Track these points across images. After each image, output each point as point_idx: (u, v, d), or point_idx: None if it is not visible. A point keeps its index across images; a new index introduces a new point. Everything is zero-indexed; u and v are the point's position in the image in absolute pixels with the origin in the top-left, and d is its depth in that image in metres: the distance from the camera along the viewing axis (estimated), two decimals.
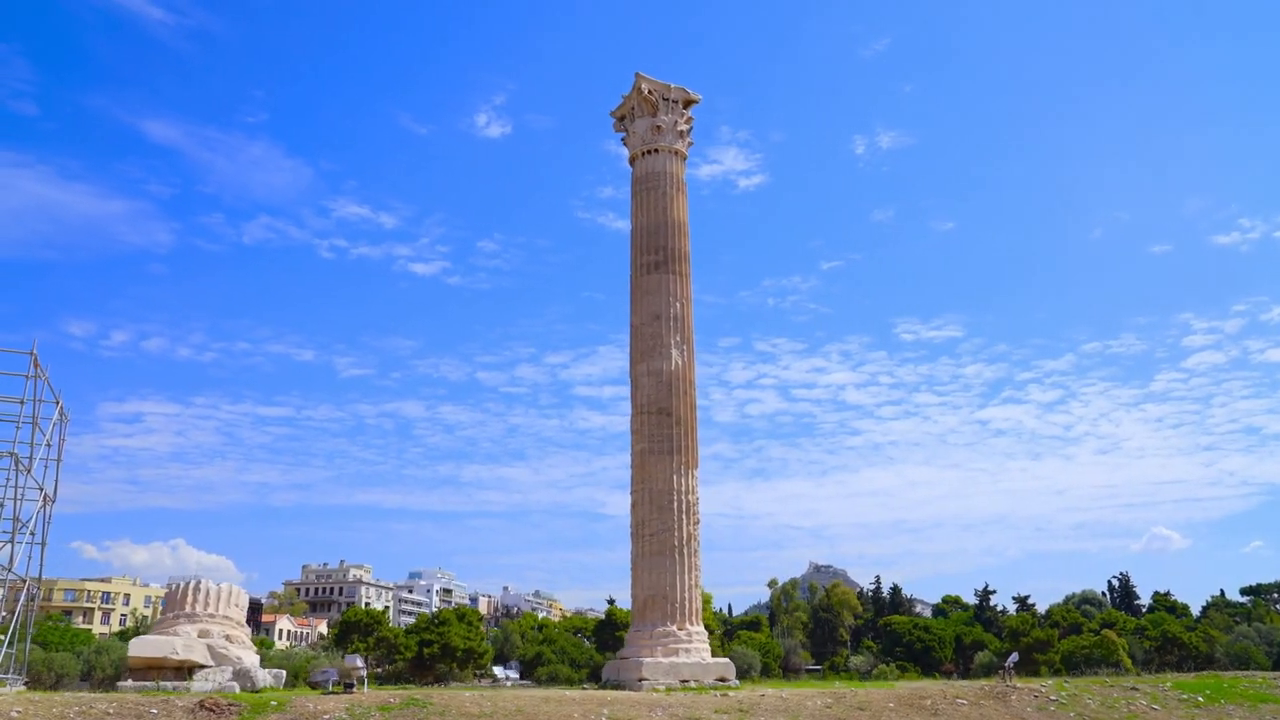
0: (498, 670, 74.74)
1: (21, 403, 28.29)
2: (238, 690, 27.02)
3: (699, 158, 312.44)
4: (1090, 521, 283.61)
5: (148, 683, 27.20)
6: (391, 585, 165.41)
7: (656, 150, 41.37)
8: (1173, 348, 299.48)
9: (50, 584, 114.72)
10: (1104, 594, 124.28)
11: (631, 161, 42.54)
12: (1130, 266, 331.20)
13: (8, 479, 28.10)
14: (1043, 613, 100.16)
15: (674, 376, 38.25)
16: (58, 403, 30.76)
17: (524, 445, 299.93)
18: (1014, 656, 37.90)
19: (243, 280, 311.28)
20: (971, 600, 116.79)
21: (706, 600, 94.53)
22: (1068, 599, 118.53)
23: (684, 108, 42.52)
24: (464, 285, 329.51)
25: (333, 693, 26.81)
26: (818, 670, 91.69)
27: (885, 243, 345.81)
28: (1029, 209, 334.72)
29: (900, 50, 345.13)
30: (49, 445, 30.56)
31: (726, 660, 36.71)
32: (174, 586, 31.39)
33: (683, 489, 37.01)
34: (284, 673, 31.94)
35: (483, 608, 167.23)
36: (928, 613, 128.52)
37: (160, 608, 45.93)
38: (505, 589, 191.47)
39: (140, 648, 28.45)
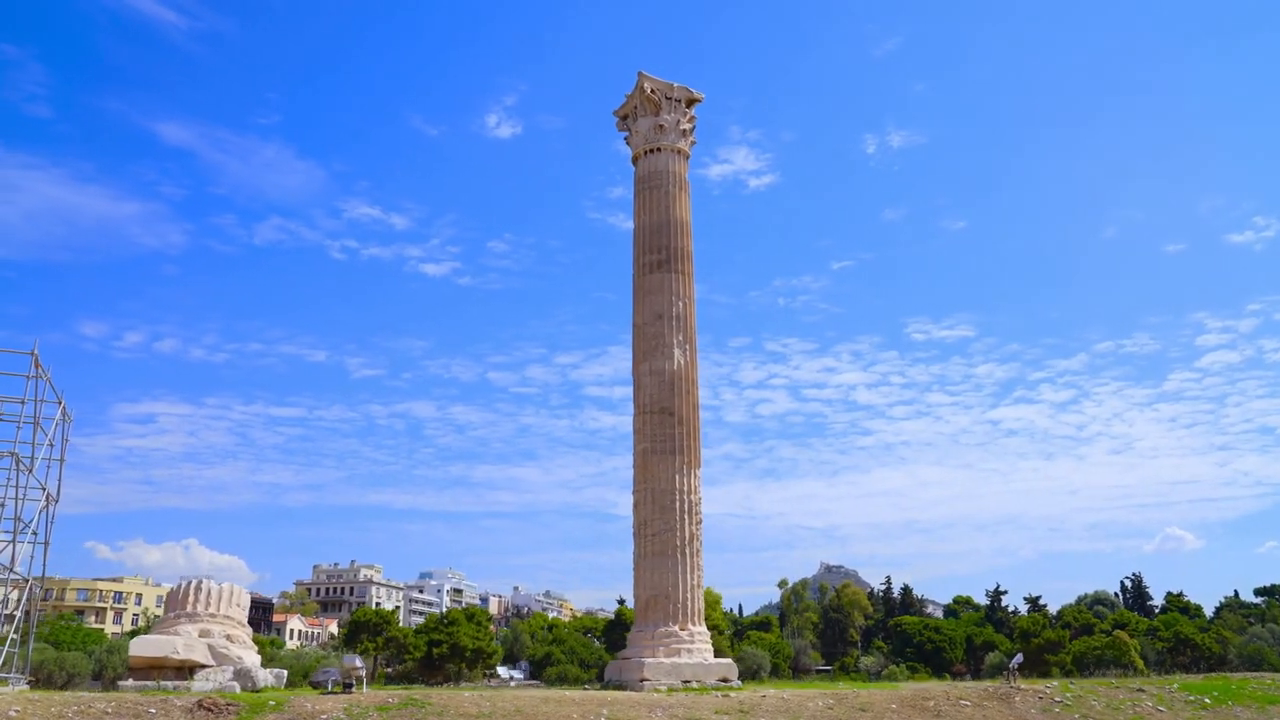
0: (502, 671, 74.75)
1: (23, 402, 28.45)
2: (238, 690, 27.05)
3: (709, 157, 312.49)
4: (1103, 522, 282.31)
5: (149, 682, 27.27)
6: (402, 585, 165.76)
7: (659, 149, 41.27)
8: (1186, 347, 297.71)
9: (63, 584, 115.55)
10: (1116, 595, 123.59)
11: (634, 160, 42.46)
12: (1144, 265, 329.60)
13: (8, 479, 28.22)
14: (1054, 613, 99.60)
15: (676, 376, 38.13)
16: (60, 403, 30.89)
17: (535, 445, 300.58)
18: (1018, 657, 37.56)
19: (255, 281, 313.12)
20: (983, 601, 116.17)
21: (716, 600, 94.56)
22: (1080, 600, 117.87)
23: (687, 106, 42.40)
24: (475, 286, 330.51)
25: (332, 693, 26.80)
26: (828, 671, 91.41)
27: (896, 242, 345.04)
28: (1041, 208, 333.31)
29: (912, 49, 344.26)
30: (51, 445, 30.73)
31: (729, 660, 36.58)
32: (176, 586, 31.47)
33: (685, 489, 36.88)
34: (285, 672, 32.01)
35: (493, 608, 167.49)
36: (939, 613, 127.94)
37: None
38: (516, 589, 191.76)
39: (141, 647, 28.53)
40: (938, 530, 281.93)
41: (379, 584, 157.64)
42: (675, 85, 42.16)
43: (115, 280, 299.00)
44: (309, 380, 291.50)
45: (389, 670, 77.14)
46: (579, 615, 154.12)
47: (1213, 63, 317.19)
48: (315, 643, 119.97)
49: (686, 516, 36.58)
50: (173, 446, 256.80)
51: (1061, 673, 68.70)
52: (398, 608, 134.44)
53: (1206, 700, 31.76)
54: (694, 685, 32.55)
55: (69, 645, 59.64)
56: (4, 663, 28.82)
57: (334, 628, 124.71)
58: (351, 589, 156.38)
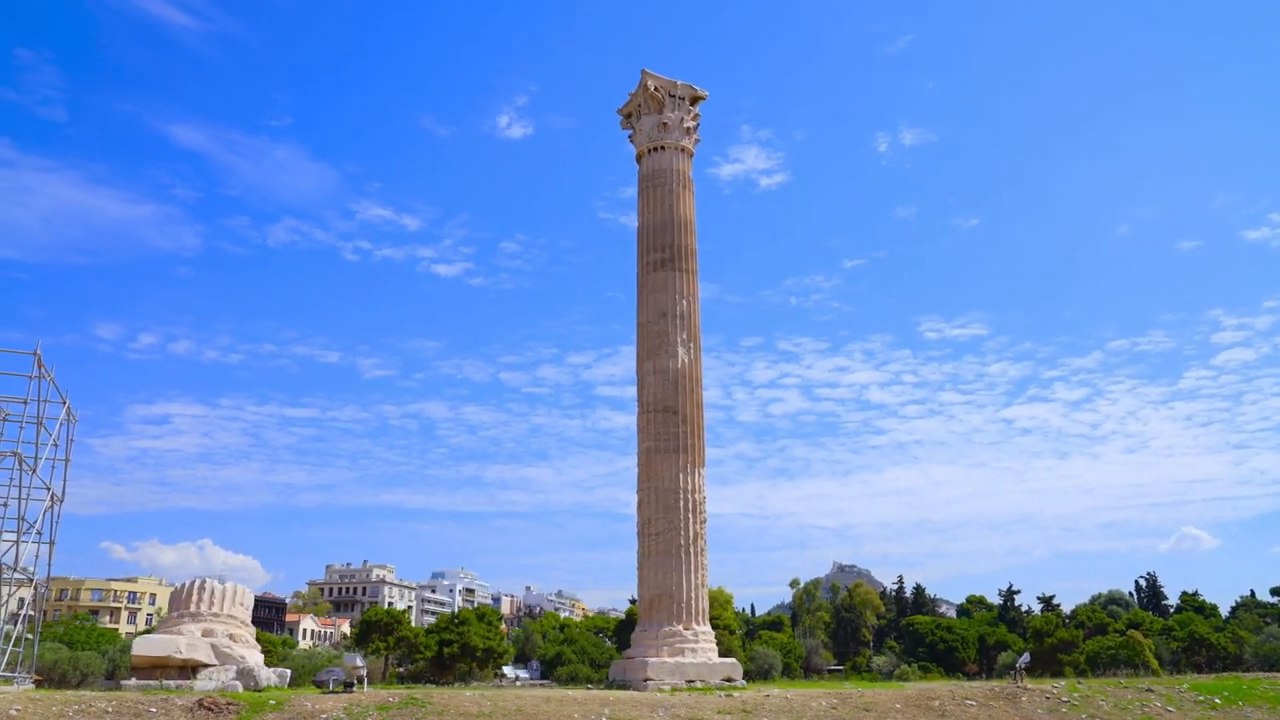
0: (508, 670, 74.76)
1: (25, 402, 28.56)
2: (241, 689, 27.10)
3: (720, 157, 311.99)
4: (1118, 521, 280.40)
5: (151, 681, 27.34)
6: (414, 585, 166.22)
7: (663, 147, 41.13)
8: (1202, 345, 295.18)
9: (78, 584, 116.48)
10: (1131, 594, 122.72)
11: (638, 159, 42.34)
12: (1158, 263, 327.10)
13: (11, 479, 28.34)
14: (1068, 613, 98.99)
15: (680, 374, 37.98)
16: (64, 403, 30.99)
17: (547, 445, 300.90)
18: (1025, 657, 37.25)
19: (268, 283, 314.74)
20: (996, 600, 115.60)
21: (727, 600, 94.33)
22: (1094, 599, 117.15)
23: (691, 104, 42.25)
24: (487, 286, 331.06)
25: (333, 692, 26.81)
26: (839, 670, 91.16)
27: (908, 240, 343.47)
28: (1054, 205, 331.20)
29: (923, 47, 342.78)
30: (56, 445, 30.82)
31: (733, 660, 36.40)
32: (180, 586, 31.56)
33: (689, 488, 36.71)
34: (289, 672, 32.08)
35: (505, 608, 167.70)
36: (952, 613, 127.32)
37: None
38: (528, 589, 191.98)
39: (144, 647, 28.63)
40: (951, 529, 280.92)
41: (391, 584, 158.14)
42: (679, 83, 42.00)
43: (129, 282, 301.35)
44: (322, 381, 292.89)
45: (401, 670, 77.32)
46: (591, 615, 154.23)
47: (1226, 57, 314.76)
48: (328, 642, 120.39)
49: (691, 515, 36.42)
50: (187, 447, 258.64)
51: (1075, 672, 68.18)
52: (410, 607, 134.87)
53: (1217, 700, 31.40)
54: (698, 685, 32.41)
55: (83, 645, 60.04)
56: (9, 662, 28.93)
57: (346, 627, 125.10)
58: (364, 589, 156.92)
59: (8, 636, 29.39)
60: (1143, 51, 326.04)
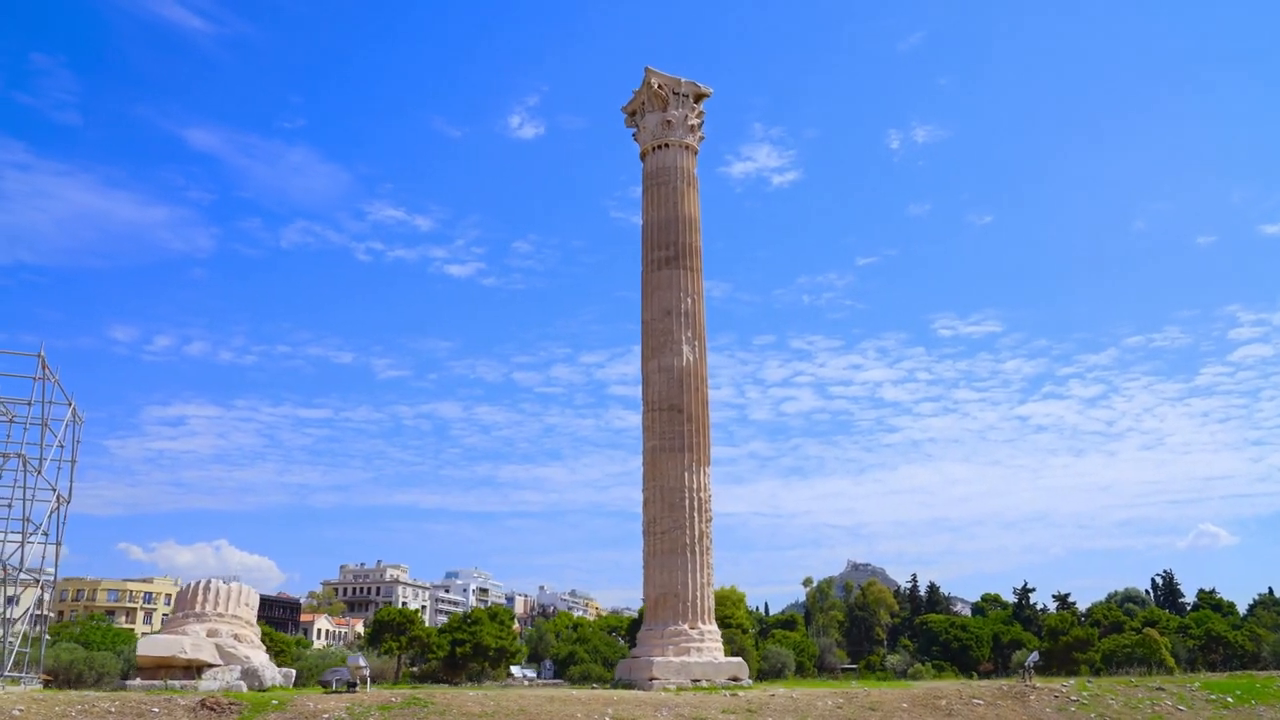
0: (515, 670, 74.73)
1: (29, 404, 28.64)
2: (245, 689, 27.17)
3: (732, 155, 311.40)
4: (1135, 518, 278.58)
5: (156, 681, 27.43)
6: (428, 585, 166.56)
7: (667, 145, 40.98)
8: (1219, 340, 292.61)
9: (94, 584, 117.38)
10: (1147, 592, 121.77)
11: (642, 156, 42.21)
12: (1174, 258, 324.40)
13: (16, 479, 28.45)
14: (1084, 611, 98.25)
15: (685, 373, 37.82)
16: (70, 404, 31.08)
17: (560, 445, 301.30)
18: (1034, 655, 36.90)
19: (282, 284, 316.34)
20: (1011, 599, 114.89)
21: (740, 599, 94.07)
22: (1110, 597, 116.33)
23: (695, 101, 42.08)
24: (499, 286, 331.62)
25: (336, 692, 26.81)
26: (853, 669, 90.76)
27: (922, 238, 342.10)
28: (1069, 201, 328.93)
29: (935, 43, 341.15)
30: (61, 446, 30.91)
31: (739, 659, 36.20)
32: (185, 586, 31.65)
33: (694, 486, 36.55)
34: (294, 672, 32.16)
35: (519, 607, 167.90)
36: (967, 611, 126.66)
37: None
38: (541, 588, 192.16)
39: (149, 647, 28.74)
40: (966, 528, 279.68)
41: (405, 584, 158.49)
42: (683, 80, 41.83)
43: (144, 285, 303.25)
44: (336, 382, 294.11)
45: (414, 670, 77.40)
46: (605, 614, 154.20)
47: (1244, 50, 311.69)
48: (342, 642, 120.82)
49: (696, 514, 36.26)
50: (202, 448, 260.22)
51: (1090, 671, 67.69)
52: (424, 607, 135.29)
53: (1229, 699, 31.02)
54: (703, 684, 32.28)
55: (98, 645, 60.41)
56: (16, 663, 29.06)
57: (360, 627, 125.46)
58: (378, 589, 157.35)
59: (23, 637, 29.51)
60: (1157, 44, 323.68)
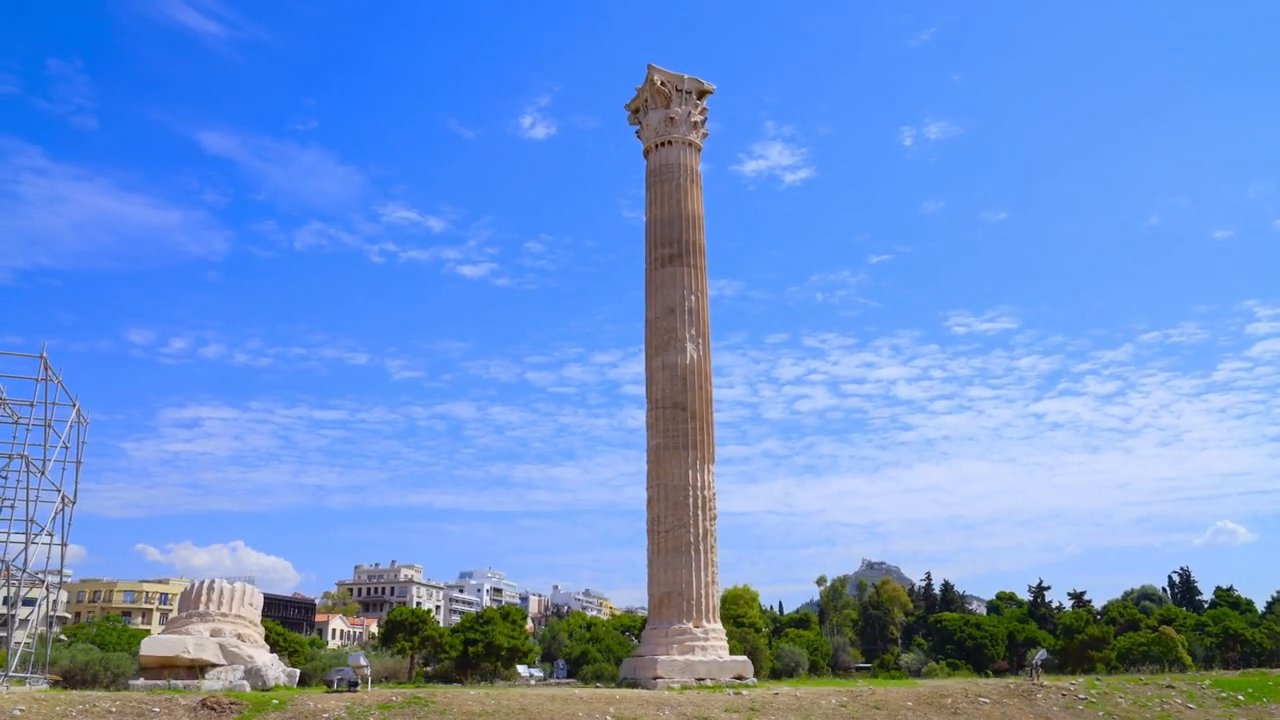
0: (521, 670, 74.72)
1: (32, 405, 28.76)
2: (248, 689, 27.20)
3: (744, 153, 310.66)
4: (1152, 515, 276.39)
5: (159, 681, 27.47)
6: (442, 585, 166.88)
7: (670, 142, 40.82)
8: (1236, 336, 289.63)
9: (110, 585, 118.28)
10: (1164, 590, 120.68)
11: (646, 154, 42.07)
12: (1190, 253, 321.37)
13: (18, 480, 28.53)
14: (1100, 609, 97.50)
15: (689, 371, 37.66)
16: (74, 405, 31.17)
17: (574, 445, 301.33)
18: (1042, 654, 36.54)
19: (296, 286, 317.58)
20: (1026, 597, 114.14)
21: (753, 598, 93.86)
22: (1126, 595, 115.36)
23: (698, 98, 41.90)
24: (512, 286, 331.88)
25: (338, 691, 26.81)
26: (867, 668, 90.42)
27: (935, 235, 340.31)
28: (1083, 196, 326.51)
29: (948, 39, 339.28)
30: (65, 447, 31.01)
31: (744, 658, 36.00)
32: (189, 586, 31.72)
33: (698, 484, 36.39)
34: (297, 671, 32.16)
35: (533, 607, 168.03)
36: (982, 609, 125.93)
37: None
38: (555, 588, 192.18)
39: (153, 647, 28.78)
40: (981, 526, 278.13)
41: (419, 584, 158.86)
42: (686, 77, 41.65)
43: (160, 288, 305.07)
44: (350, 383, 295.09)
45: (428, 669, 77.55)
46: (618, 613, 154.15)
47: (1257, 42, 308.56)
48: (356, 642, 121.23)
49: (700, 512, 36.10)
50: (219, 450, 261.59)
51: (1106, 669, 67.16)
52: (438, 607, 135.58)
53: (1240, 697, 30.68)
54: (708, 683, 32.13)
55: (114, 646, 60.83)
56: (21, 663, 29.18)
57: (375, 627, 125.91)
58: (392, 589, 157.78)
59: (34, 637, 29.65)
60: (1173, 39, 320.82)
